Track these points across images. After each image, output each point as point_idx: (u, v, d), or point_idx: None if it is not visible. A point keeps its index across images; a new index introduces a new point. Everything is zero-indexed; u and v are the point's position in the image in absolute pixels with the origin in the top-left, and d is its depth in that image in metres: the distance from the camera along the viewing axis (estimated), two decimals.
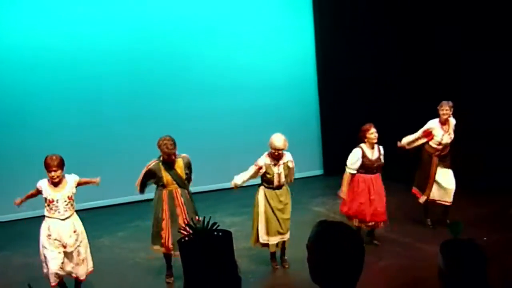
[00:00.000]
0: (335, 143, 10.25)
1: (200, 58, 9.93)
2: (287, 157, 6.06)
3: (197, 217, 5.26)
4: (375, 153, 6.46)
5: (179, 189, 5.77)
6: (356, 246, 1.93)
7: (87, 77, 9.18)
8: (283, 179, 6.02)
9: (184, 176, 5.80)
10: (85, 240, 5.54)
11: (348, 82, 10.65)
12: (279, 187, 6.04)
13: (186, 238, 1.71)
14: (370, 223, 6.54)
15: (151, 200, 8.33)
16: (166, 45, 9.69)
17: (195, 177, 6.13)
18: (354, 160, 6.43)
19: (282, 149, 5.87)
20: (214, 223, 1.74)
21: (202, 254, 1.67)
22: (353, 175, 6.46)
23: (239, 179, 6.04)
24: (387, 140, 6.84)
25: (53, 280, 5.32)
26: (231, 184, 6.10)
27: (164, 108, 9.58)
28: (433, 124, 6.95)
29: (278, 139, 5.85)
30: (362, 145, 6.45)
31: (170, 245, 5.75)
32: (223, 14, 10.14)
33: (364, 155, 6.40)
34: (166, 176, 5.70)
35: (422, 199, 7.15)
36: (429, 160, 7.02)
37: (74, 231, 5.37)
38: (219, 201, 8.58)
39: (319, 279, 1.97)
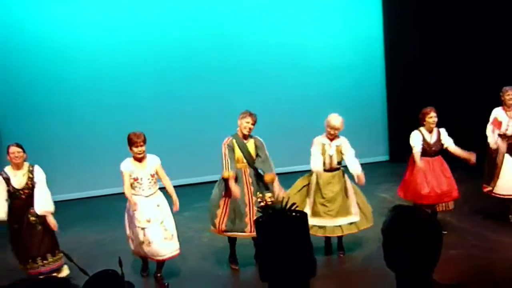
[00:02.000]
0: (402, 128, 9.95)
1: (265, 38, 9.90)
2: (342, 141, 5.96)
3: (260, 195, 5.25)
4: (433, 136, 6.44)
5: (248, 168, 5.79)
6: (433, 233, 1.88)
7: (152, 60, 9.45)
8: (335, 162, 5.93)
9: (254, 157, 5.79)
10: (171, 217, 5.61)
11: (416, 64, 10.33)
12: (331, 170, 5.95)
13: (261, 219, 1.71)
14: (430, 206, 6.37)
15: (215, 182, 8.44)
16: (231, 25, 9.74)
17: None
18: (416, 141, 6.39)
19: (338, 129, 5.82)
20: (293, 204, 1.73)
21: (278, 234, 1.67)
22: (418, 152, 6.39)
23: (319, 164, 5.87)
24: (456, 125, 6.61)
25: (137, 251, 5.52)
26: (316, 170, 5.87)
27: (229, 89, 9.64)
28: (498, 112, 6.69)
29: (335, 118, 5.83)
30: (421, 128, 6.45)
31: (223, 226, 5.78)
32: None
33: (423, 139, 6.39)
34: (237, 153, 5.72)
35: (487, 189, 6.86)
36: (496, 149, 6.73)
37: (158, 205, 5.51)
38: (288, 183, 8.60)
39: (394, 265, 1.93)
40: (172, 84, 9.58)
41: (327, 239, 6.18)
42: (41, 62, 9.08)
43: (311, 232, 5.77)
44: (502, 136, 6.69)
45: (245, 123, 5.70)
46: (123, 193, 5.53)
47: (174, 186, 9.62)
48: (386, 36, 10.60)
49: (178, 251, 5.63)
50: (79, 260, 5.61)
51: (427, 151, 6.41)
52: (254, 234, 5.69)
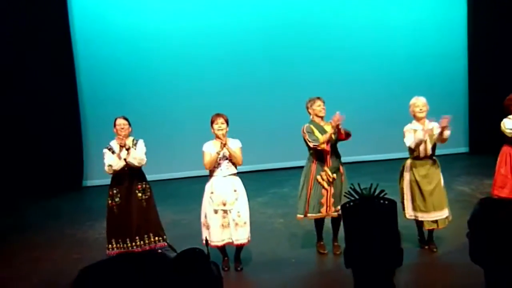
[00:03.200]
0: (484, 119, 9.57)
1: (343, 22, 9.85)
2: (432, 124, 5.71)
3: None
4: None
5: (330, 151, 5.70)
6: None
7: (233, 47, 9.70)
8: (429, 148, 5.67)
9: (334, 139, 5.71)
10: (246, 204, 5.55)
11: (501, 51, 9.82)
12: (427, 157, 5.71)
13: (351, 203, 1.71)
14: None
15: (289, 168, 8.50)
16: (305, 14, 9.76)
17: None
18: (510, 127, 5.96)
19: (424, 105, 5.63)
20: (382, 191, 1.72)
21: (365, 220, 1.67)
22: None
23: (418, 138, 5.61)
24: None
25: (214, 240, 5.43)
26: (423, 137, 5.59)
27: (308, 76, 9.62)
28: None
29: (418, 98, 5.71)
30: (511, 116, 6.00)
31: (308, 209, 5.78)
32: None
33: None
34: (318, 136, 5.65)
35: None
36: None
37: (235, 190, 5.48)
38: (355, 174, 8.47)
39: (480, 259, 1.88)
40: (253, 70, 9.74)
41: (419, 228, 5.94)
42: (124, 50, 9.57)
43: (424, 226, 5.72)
44: None
45: (317, 107, 5.72)
46: (202, 176, 5.66)
47: (248, 172, 9.82)
48: (469, 21, 10.14)
49: (247, 240, 5.54)
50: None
51: None
52: (330, 214, 5.76)
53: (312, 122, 5.77)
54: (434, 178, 5.70)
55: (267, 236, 6.61)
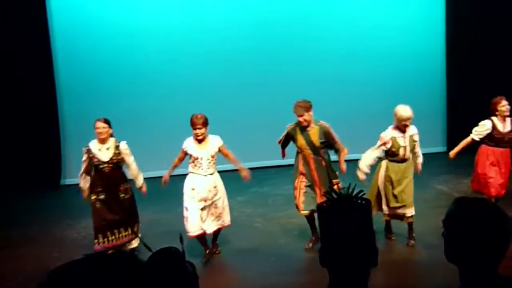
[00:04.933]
0: (461, 118, 9.69)
1: (320, 24, 9.86)
2: (413, 129, 5.87)
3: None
4: (506, 126, 6.28)
5: (312, 156, 5.80)
6: (499, 224, 1.82)
7: (222, 44, 9.66)
8: (408, 152, 5.84)
9: (318, 144, 5.77)
10: (225, 199, 5.91)
11: (479, 51, 9.97)
12: (404, 160, 5.87)
13: (327, 203, 1.72)
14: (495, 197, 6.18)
15: (269, 167, 8.50)
16: (289, 13, 9.77)
17: None
18: (482, 129, 6.29)
19: (410, 118, 5.69)
20: (361, 191, 1.73)
21: (340, 219, 1.67)
22: (474, 141, 6.33)
23: (365, 165, 5.86)
24: None
25: (192, 231, 5.65)
26: (359, 177, 5.83)
27: (292, 77, 9.66)
28: None
29: (405, 110, 5.68)
30: (493, 118, 6.29)
31: (301, 205, 5.88)
32: None
33: (494, 127, 6.25)
34: (300, 140, 5.80)
35: None
36: None
37: (215, 187, 5.73)
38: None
39: (455, 258, 1.89)
40: (238, 69, 9.72)
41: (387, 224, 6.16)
42: (112, 46, 9.46)
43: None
44: None
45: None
46: (182, 175, 5.75)
47: (229, 170, 9.77)
48: (447, 20, 10.27)
49: (228, 223, 5.95)
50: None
51: (500, 140, 6.26)
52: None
53: (298, 123, 5.82)
54: (406, 179, 5.87)
55: (245, 234, 6.61)
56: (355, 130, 9.58)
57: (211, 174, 5.74)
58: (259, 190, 8.62)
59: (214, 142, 5.77)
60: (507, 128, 6.26)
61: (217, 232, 5.97)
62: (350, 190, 1.70)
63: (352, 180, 2.03)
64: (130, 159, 5.88)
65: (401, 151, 5.79)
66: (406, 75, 10.06)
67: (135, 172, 5.96)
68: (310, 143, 5.77)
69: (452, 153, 6.43)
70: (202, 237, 5.78)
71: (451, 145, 10.36)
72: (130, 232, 5.95)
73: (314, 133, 5.76)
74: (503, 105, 6.17)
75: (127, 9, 9.48)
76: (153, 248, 1.88)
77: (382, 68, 10.04)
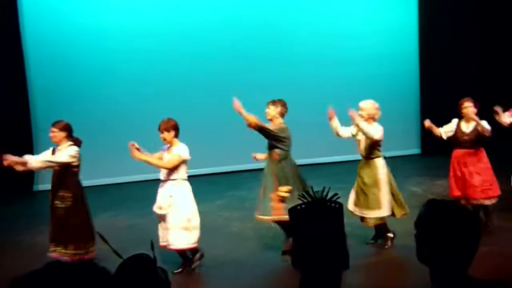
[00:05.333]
0: (435, 121, 9.79)
1: (295, 27, 9.94)
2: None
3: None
4: (470, 127, 6.33)
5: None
6: (470, 226, 1.85)
7: (185, 49, 9.61)
8: (362, 147, 5.94)
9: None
10: (182, 211, 5.38)
11: (452, 54, 10.14)
12: (365, 157, 5.96)
13: (299, 206, 1.71)
14: (465, 200, 6.25)
15: (246, 171, 8.50)
16: (261, 16, 9.81)
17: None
18: (447, 127, 6.44)
19: (363, 109, 5.86)
20: (335, 194, 1.73)
21: (313, 222, 1.67)
22: (442, 138, 6.47)
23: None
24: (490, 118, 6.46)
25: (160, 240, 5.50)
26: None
27: (261, 78, 9.67)
28: None
29: (363, 101, 5.96)
30: (461, 119, 6.41)
31: (257, 211, 5.80)
32: None
33: (458, 126, 6.37)
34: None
35: None
36: None
37: (170, 196, 5.39)
38: (309, 175, 8.54)
39: (427, 259, 1.91)
40: (206, 74, 9.70)
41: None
42: (75, 48, 9.31)
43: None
44: None
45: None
46: (157, 180, 5.64)
47: (206, 175, 9.71)
48: (420, 25, 10.44)
49: (189, 246, 5.49)
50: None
51: (460, 140, 6.35)
52: (276, 218, 5.68)
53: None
54: (369, 179, 5.91)
55: (222, 239, 6.58)
56: (330, 133, 9.63)
57: (167, 181, 5.43)
58: (236, 194, 8.61)
59: (176, 149, 5.43)
60: (470, 129, 6.30)
61: (187, 251, 5.57)
62: (325, 193, 1.70)
63: (327, 184, 2.03)
64: (57, 155, 5.47)
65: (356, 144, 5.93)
66: (381, 78, 10.15)
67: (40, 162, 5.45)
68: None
69: (428, 123, 6.50)
70: (181, 253, 5.57)
71: (425, 147, 10.54)
72: (63, 250, 5.43)
73: None
74: (466, 107, 6.24)
75: (100, 10, 9.40)
76: (126, 255, 1.85)
77: (357, 72, 10.13)
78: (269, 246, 6.17)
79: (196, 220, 5.49)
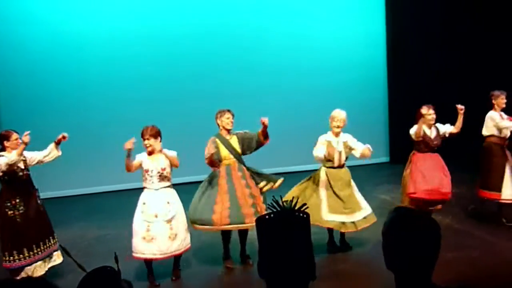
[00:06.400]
0: (403, 129, 9.96)
1: (266, 37, 9.98)
2: (347, 136, 6.07)
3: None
4: (433, 132, 6.52)
5: (236, 164, 5.82)
6: (433, 234, 1.89)
7: (159, 58, 9.56)
8: (343, 158, 6.00)
9: (239, 151, 5.83)
10: (181, 216, 5.52)
11: (419, 65, 10.34)
12: (340, 166, 6.01)
13: (268, 216, 1.72)
14: (430, 203, 6.36)
15: (190, 183, 8.34)
16: (233, 25, 9.82)
17: (254, 159, 6.12)
18: (413, 130, 6.51)
19: (342, 120, 5.94)
20: (304, 204, 1.74)
21: (279, 233, 1.68)
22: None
23: (321, 152, 5.93)
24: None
25: (135, 252, 5.40)
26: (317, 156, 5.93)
27: (226, 88, 9.65)
28: (494, 115, 6.76)
29: (338, 111, 6.01)
30: (422, 125, 6.50)
31: (225, 220, 5.68)
32: None
33: (423, 133, 6.48)
34: (223, 151, 5.78)
35: (501, 195, 6.79)
36: (500, 152, 6.74)
37: (168, 202, 5.42)
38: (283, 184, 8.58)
39: (394, 267, 1.93)
40: (178, 83, 9.67)
41: (331, 235, 6.24)
42: (48, 55, 9.17)
43: (332, 227, 5.99)
44: (503, 138, 6.73)
45: (226, 120, 5.82)
46: (128, 190, 5.52)
47: (180, 184, 9.63)
48: (388, 35, 10.62)
49: (188, 246, 5.61)
50: (79, 255, 5.69)
51: (428, 145, 6.48)
52: (253, 224, 5.71)
53: (218, 135, 5.85)
54: (347, 185, 6.06)
55: (193, 248, 6.51)
56: (297, 142, 9.69)
57: (163, 188, 5.47)
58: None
59: (167, 155, 5.49)
60: (434, 134, 6.48)
61: (176, 256, 5.57)
62: (293, 204, 1.71)
63: (284, 194, 2.03)
64: (35, 153, 5.60)
65: (336, 156, 5.97)
66: (350, 88, 10.29)
67: (55, 151, 5.64)
68: (233, 150, 5.81)
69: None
70: (148, 263, 5.52)
71: (393, 155, 10.70)
72: (54, 241, 5.64)
73: (234, 142, 5.84)
74: (430, 114, 6.40)
75: (68, 17, 9.24)
76: (95, 266, 1.83)
77: (326, 81, 10.23)
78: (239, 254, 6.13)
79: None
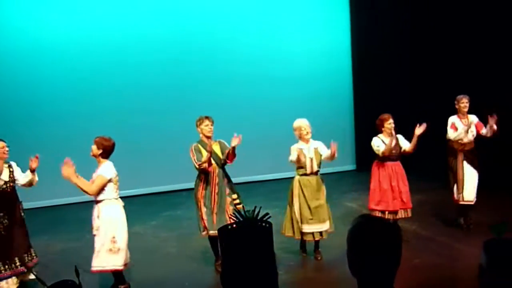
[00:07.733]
0: (369, 137, 10.10)
1: (232, 48, 10.02)
2: (317, 143, 6.11)
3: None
4: (392, 141, 6.47)
5: (216, 169, 5.80)
6: (394, 241, 1.91)
7: (131, 69, 9.53)
8: (315, 165, 6.03)
9: (221, 157, 5.82)
10: (107, 232, 5.19)
11: (383, 75, 10.51)
12: (313, 173, 6.04)
13: (230, 226, 1.71)
14: (394, 213, 6.43)
15: (183, 190, 8.36)
16: (199, 36, 9.83)
17: (228, 168, 6.09)
18: (379, 143, 6.46)
19: (308, 126, 5.99)
20: (266, 214, 1.73)
21: (242, 243, 1.67)
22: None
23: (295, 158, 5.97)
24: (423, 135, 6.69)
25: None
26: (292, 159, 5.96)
27: (197, 99, 9.64)
28: (453, 120, 6.90)
29: (300, 120, 6.05)
30: (380, 135, 6.52)
31: (205, 226, 5.72)
32: (257, 3, 10.21)
33: (383, 142, 6.47)
34: (205, 156, 5.67)
35: (457, 197, 6.97)
36: (455, 156, 6.90)
37: (97, 217, 5.23)
38: (248, 194, 8.55)
39: (357, 273, 1.95)
40: (147, 95, 9.61)
41: (303, 241, 6.25)
42: (24, 62, 9.01)
43: (306, 238, 6.02)
44: (459, 143, 6.86)
45: (205, 127, 5.80)
46: (92, 201, 5.43)
47: (143, 195, 9.55)
48: (353, 46, 10.78)
49: (121, 267, 5.28)
50: (45, 268, 5.55)
51: (389, 154, 6.47)
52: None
53: (200, 141, 5.82)
54: (320, 194, 6.08)
55: (160, 260, 6.45)
56: (264, 152, 9.72)
57: (98, 201, 5.25)
58: (173, 213, 8.49)
59: (100, 170, 5.26)
60: (393, 143, 6.42)
61: (115, 273, 5.35)
62: (256, 212, 1.71)
63: (264, 202, 2.04)
64: (21, 174, 5.57)
65: (308, 163, 5.98)
66: (316, 97, 10.39)
67: (31, 176, 5.57)
68: (215, 155, 5.80)
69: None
70: (117, 274, 5.39)
71: (360, 163, 10.83)
72: (30, 257, 5.58)
73: (217, 148, 5.84)
74: (390, 123, 6.42)
75: (49, 26, 9.15)
76: (59, 279, 1.79)
77: (293, 91, 10.31)
78: (206, 265, 6.10)
79: (122, 242, 5.25)
